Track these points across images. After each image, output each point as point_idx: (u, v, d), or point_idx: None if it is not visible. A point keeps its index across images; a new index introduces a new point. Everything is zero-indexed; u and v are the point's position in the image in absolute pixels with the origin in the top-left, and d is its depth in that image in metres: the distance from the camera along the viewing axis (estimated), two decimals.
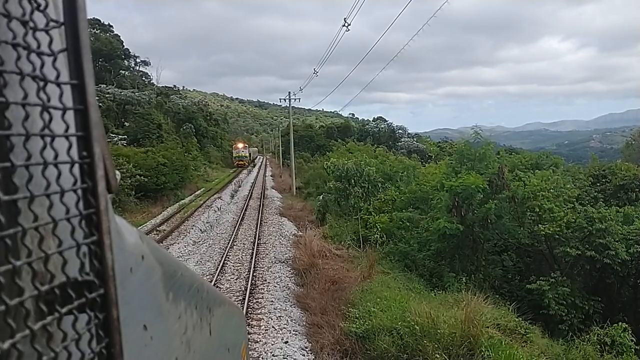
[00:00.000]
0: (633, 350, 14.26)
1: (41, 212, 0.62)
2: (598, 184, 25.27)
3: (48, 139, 0.63)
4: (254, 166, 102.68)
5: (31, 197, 0.59)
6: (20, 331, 0.54)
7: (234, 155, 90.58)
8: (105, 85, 54.54)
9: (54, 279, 0.64)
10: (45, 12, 0.64)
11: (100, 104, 47.80)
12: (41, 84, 0.62)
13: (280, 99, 69.15)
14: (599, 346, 14.20)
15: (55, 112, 0.65)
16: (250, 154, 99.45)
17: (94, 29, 63.19)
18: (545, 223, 19.45)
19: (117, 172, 1.48)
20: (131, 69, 73.84)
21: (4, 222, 0.53)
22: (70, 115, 0.68)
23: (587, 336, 15.05)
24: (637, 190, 24.35)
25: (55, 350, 0.60)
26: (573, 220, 19.15)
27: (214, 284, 15.32)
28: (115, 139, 45.52)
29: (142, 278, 1.09)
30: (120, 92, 55.27)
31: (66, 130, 0.67)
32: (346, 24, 32.97)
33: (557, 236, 19.21)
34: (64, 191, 0.66)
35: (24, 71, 0.59)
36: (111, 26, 70.61)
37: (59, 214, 0.64)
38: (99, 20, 67.95)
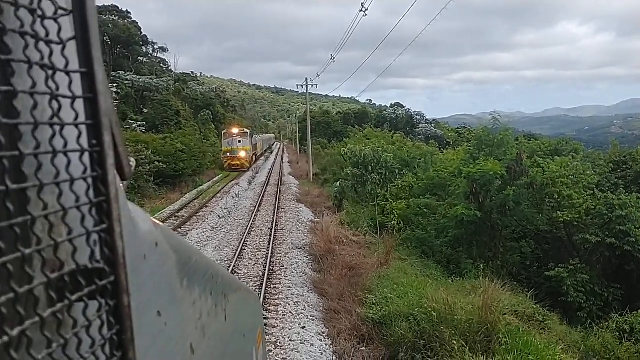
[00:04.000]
0: None
1: (51, 200, 0.62)
2: (619, 171, 24.94)
3: (57, 128, 0.63)
4: (271, 153, 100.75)
5: (40, 186, 0.59)
6: (30, 318, 0.54)
7: (223, 149, 55.30)
8: (123, 72, 54.77)
9: (64, 267, 0.64)
10: (54, 0, 0.64)
11: (119, 91, 48.10)
12: (50, 72, 0.62)
13: (297, 85, 68.42)
14: (618, 333, 14.09)
15: (64, 101, 0.64)
16: (255, 144, 64.78)
17: (112, 16, 63.39)
18: (565, 210, 19.28)
19: (132, 159, 1.49)
20: (149, 55, 73.94)
21: (12, 211, 0.54)
22: (79, 104, 0.68)
23: (606, 323, 14.95)
24: None
25: (65, 337, 0.61)
26: (593, 207, 18.97)
27: (232, 270, 15.43)
28: (134, 125, 45.78)
29: (156, 265, 1.10)
30: (139, 79, 55.49)
31: (75, 119, 0.67)
32: (364, 9, 32.78)
33: (576, 223, 19.05)
34: (74, 179, 0.66)
35: (32, 60, 0.59)
36: (129, 13, 70.86)
37: (68, 202, 0.65)
38: (117, 7, 68.19)
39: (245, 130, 57.47)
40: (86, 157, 0.69)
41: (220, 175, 49.05)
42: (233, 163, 53.33)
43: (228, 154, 53.63)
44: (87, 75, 0.69)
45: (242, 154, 53.67)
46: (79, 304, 0.65)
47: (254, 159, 62.35)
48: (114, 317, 0.72)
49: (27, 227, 0.57)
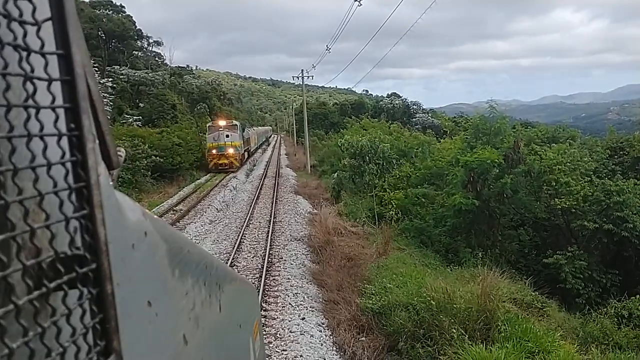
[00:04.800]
0: None
1: (27, 185, 0.60)
2: (615, 157, 24.97)
3: (32, 111, 0.61)
4: (268, 145, 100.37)
5: (15, 170, 0.57)
6: (4, 306, 0.52)
7: (208, 145, 44.95)
8: (119, 67, 54.54)
9: (41, 254, 0.62)
10: None
11: (115, 85, 47.77)
12: (24, 53, 0.60)
13: (293, 76, 67.81)
14: (616, 319, 14.15)
15: (40, 83, 0.63)
16: (248, 138, 54.81)
17: (106, 10, 63.00)
18: (562, 197, 19.32)
19: (122, 150, 1.46)
20: (144, 49, 73.51)
21: None
22: (57, 87, 0.67)
23: (605, 309, 15.00)
24: None
25: (43, 326, 0.59)
26: (590, 193, 19.00)
27: (231, 262, 15.44)
28: (130, 120, 45.63)
29: (145, 254, 1.08)
30: (134, 73, 55.22)
31: (52, 102, 0.65)
32: None
33: (574, 210, 19.09)
34: (51, 164, 0.64)
35: (3, 40, 0.57)
36: (123, 7, 70.43)
37: (45, 188, 0.63)
38: (111, 1, 67.79)
39: (235, 122, 47.76)
40: (65, 142, 0.68)
41: None
42: (220, 162, 43.60)
43: (213, 151, 43.69)
44: (64, 58, 0.67)
45: (231, 150, 43.97)
46: (58, 292, 0.64)
47: (246, 156, 52.95)
48: (97, 305, 0.71)
49: (1, 212, 0.55)
